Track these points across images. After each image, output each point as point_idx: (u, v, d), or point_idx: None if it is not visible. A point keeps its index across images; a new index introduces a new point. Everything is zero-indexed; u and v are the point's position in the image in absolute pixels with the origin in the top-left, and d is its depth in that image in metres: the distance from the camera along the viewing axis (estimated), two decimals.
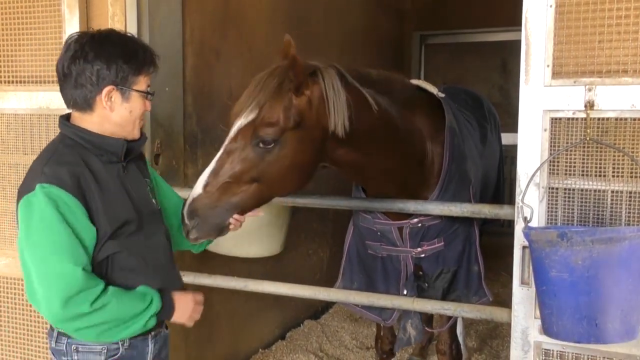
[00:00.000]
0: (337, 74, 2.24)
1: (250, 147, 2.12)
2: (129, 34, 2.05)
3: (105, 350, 1.92)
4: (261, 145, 2.12)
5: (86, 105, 1.92)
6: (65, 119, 1.99)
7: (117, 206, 1.91)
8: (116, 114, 1.93)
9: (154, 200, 2.10)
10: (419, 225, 2.69)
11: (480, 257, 2.81)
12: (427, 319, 3.38)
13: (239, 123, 2.15)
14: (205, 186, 2.11)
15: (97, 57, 1.87)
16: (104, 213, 1.86)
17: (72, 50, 1.90)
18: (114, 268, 1.91)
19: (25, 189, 1.85)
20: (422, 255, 2.76)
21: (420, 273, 2.83)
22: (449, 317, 2.93)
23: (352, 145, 2.34)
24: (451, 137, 2.70)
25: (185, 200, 2.16)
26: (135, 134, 2.01)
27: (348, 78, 2.28)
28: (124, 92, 1.91)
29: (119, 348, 1.93)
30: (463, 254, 2.78)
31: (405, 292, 2.77)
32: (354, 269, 2.96)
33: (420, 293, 2.78)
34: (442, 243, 2.75)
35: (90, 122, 1.94)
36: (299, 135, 2.17)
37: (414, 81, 2.89)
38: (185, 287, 2.22)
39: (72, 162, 1.86)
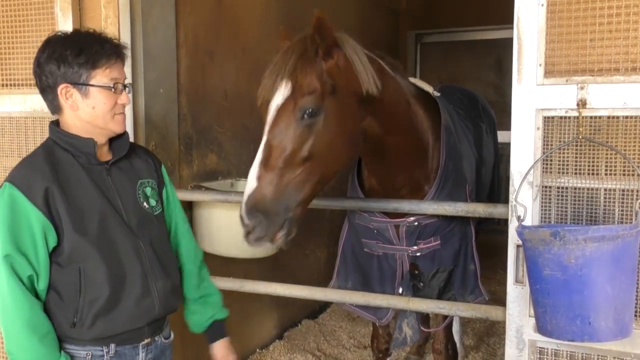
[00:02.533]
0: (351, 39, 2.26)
1: (295, 122, 2.04)
2: (91, 30, 1.98)
3: (90, 356, 1.91)
4: (306, 117, 2.05)
5: (55, 108, 1.95)
6: (55, 123, 2.01)
7: (85, 214, 1.87)
8: (81, 112, 1.91)
9: (145, 204, 2.04)
10: (416, 223, 2.68)
11: (477, 256, 2.81)
12: (424, 318, 3.38)
13: (275, 104, 2.08)
14: (259, 178, 1.99)
15: (48, 59, 1.88)
16: (72, 225, 1.84)
17: (35, 58, 1.93)
18: (86, 281, 1.86)
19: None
20: (418, 254, 2.75)
21: (416, 272, 2.82)
22: (445, 317, 2.93)
23: (377, 116, 2.33)
24: (447, 136, 2.70)
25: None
26: (113, 128, 1.95)
27: (359, 47, 2.28)
28: (80, 88, 1.88)
29: (103, 355, 1.91)
30: (459, 253, 2.78)
31: (400, 290, 2.76)
32: (349, 267, 2.95)
33: (416, 292, 2.77)
34: (439, 241, 2.74)
35: (66, 123, 1.95)
36: (338, 100, 2.14)
37: (410, 79, 2.90)
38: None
39: (43, 171, 1.85)
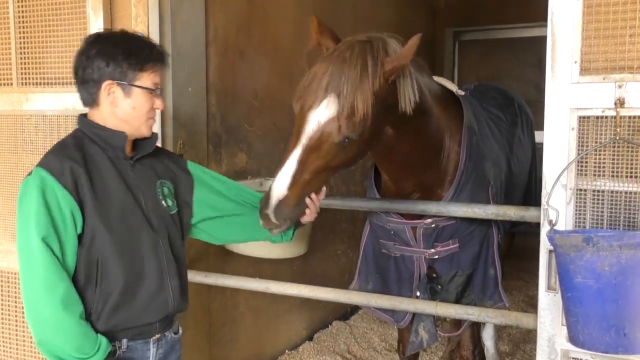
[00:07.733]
0: None
1: (334, 144, 2.03)
2: (139, 34, 2.07)
3: None
4: (346, 141, 2.03)
5: (92, 100, 1.98)
6: (84, 115, 2.05)
7: (109, 206, 1.90)
8: (119, 109, 1.96)
9: (164, 203, 2.06)
10: (433, 225, 2.61)
11: (498, 260, 2.71)
12: (455, 322, 3.29)
13: (318, 117, 2.01)
14: (290, 187, 2.05)
15: (98, 54, 1.93)
16: (95, 214, 1.86)
17: (80, 49, 1.97)
18: (102, 272, 1.88)
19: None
20: (436, 257, 2.68)
21: (434, 275, 2.75)
22: (464, 322, 2.84)
23: (395, 125, 2.26)
24: (469, 137, 2.62)
25: (265, 198, 2.09)
26: (144, 132, 2.02)
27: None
28: (124, 87, 1.94)
29: (115, 350, 1.93)
30: (479, 256, 2.69)
31: (418, 294, 2.70)
32: (370, 268, 2.91)
33: (434, 295, 2.71)
34: (457, 244, 2.67)
35: (99, 117, 1.99)
36: (376, 122, 2.09)
37: (435, 78, 2.83)
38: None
39: (73, 158, 1.89)
